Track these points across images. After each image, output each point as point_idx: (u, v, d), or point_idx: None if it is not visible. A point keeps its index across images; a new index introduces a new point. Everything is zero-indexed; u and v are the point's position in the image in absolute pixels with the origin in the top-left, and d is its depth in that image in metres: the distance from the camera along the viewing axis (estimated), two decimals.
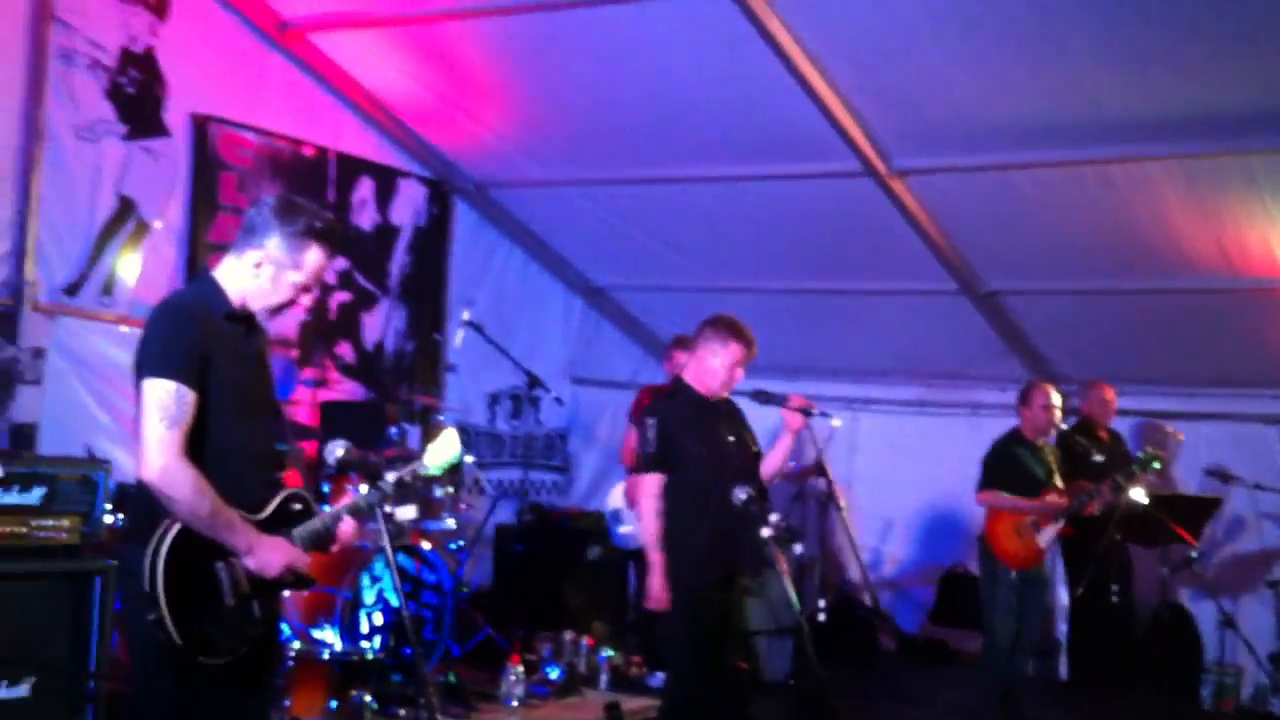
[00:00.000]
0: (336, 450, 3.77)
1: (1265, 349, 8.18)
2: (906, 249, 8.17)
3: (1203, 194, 7.01)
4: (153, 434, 3.39)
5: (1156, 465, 7.35)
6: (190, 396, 3.43)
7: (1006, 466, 7.36)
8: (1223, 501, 8.29)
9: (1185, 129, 6.54)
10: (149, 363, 3.45)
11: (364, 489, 3.81)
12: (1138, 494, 7.28)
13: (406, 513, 6.58)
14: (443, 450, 3.95)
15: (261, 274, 3.62)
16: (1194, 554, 7.62)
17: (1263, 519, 8.64)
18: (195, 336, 3.48)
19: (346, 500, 3.81)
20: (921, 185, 7.64)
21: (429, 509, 6.94)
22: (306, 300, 3.72)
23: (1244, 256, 7.44)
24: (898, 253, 8.29)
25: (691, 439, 5.39)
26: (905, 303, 9.09)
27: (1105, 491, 7.27)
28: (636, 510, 5.54)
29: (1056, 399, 7.45)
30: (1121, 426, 8.51)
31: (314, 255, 3.65)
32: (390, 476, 3.77)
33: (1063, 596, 8.90)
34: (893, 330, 9.49)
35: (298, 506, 3.72)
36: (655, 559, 5.31)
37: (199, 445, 3.47)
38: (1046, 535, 7.28)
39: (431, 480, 6.86)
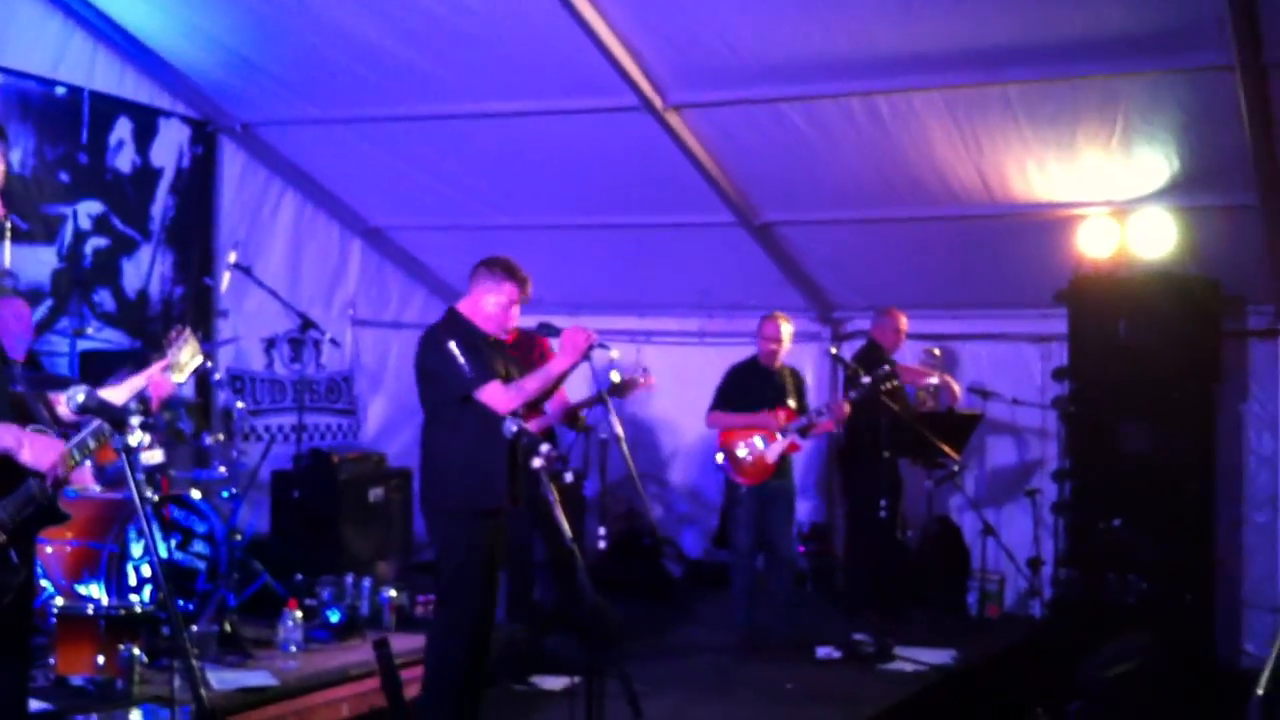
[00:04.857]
0: (77, 396, 3.56)
1: (1025, 271, 8.52)
2: (684, 182, 8.23)
3: (963, 123, 7.24)
4: None
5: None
6: None
7: (734, 390, 7.89)
8: (983, 417, 8.70)
9: (948, 61, 6.73)
10: None
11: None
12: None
13: (153, 457, 6.35)
14: (185, 354, 4.04)
15: None
16: (956, 467, 8.02)
17: (1022, 432, 9.11)
18: None
19: (80, 435, 3.66)
20: (697, 119, 7.69)
21: (200, 458, 6.72)
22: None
23: (1002, 183, 7.74)
24: (676, 186, 8.35)
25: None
26: (685, 235, 9.17)
27: (837, 409, 7.77)
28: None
29: (787, 329, 7.85)
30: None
31: None
32: (134, 421, 3.61)
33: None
34: (674, 263, 9.58)
35: None
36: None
37: None
38: (774, 450, 7.67)
39: (191, 417, 6.66)
